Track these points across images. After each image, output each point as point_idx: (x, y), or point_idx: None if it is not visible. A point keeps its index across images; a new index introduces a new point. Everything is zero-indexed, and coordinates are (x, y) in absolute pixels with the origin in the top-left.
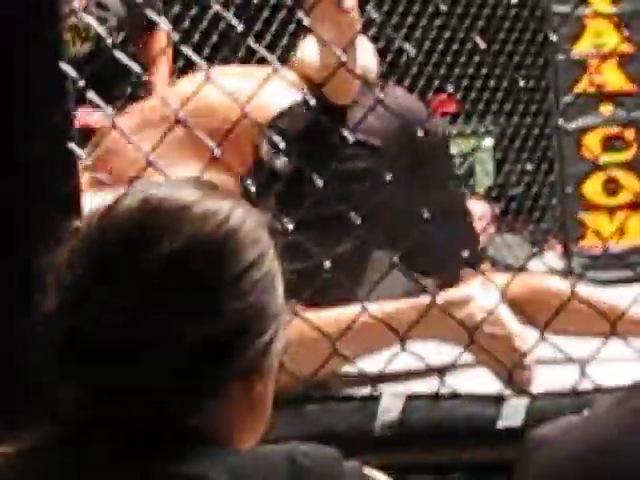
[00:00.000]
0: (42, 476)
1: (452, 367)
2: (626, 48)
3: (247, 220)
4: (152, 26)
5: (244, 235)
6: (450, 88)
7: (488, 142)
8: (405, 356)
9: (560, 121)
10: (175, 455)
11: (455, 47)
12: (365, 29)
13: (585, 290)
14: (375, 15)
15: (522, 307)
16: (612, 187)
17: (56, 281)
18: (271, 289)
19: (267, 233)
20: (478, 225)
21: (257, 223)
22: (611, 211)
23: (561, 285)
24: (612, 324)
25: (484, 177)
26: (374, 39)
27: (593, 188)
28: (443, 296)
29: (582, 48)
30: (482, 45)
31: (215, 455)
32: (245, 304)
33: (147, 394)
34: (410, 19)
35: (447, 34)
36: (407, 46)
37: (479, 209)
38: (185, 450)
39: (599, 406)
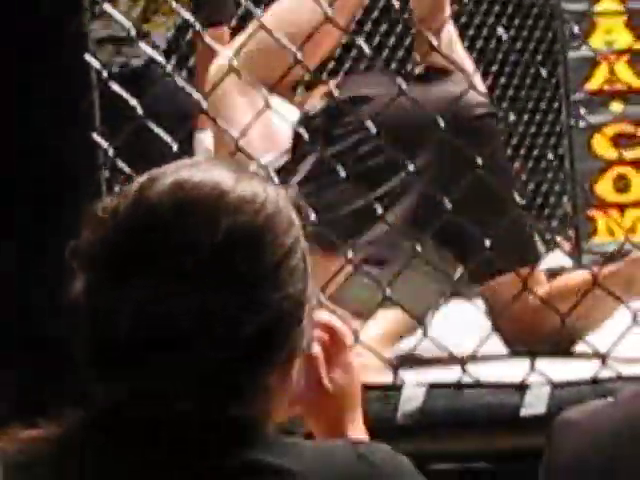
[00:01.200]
0: (72, 463)
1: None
2: (636, 46)
3: (281, 203)
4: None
5: (280, 221)
6: None
7: None
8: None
9: (570, 119)
10: (221, 445)
11: (465, 44)
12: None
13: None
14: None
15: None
16: (622, 184)
17: (81, 265)
18: (304, 273)
19: (295, 211)
20: None
21: (288, 204)
22: (621, 208)
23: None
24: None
25: None
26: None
27: (603, 185)
28: None
29: (593, 46)
30: (504, 37)
31: (278, 446)
32: (284, 293)
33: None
34: None
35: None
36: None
37: None
38: (230, 440)
39: (624, 392)
